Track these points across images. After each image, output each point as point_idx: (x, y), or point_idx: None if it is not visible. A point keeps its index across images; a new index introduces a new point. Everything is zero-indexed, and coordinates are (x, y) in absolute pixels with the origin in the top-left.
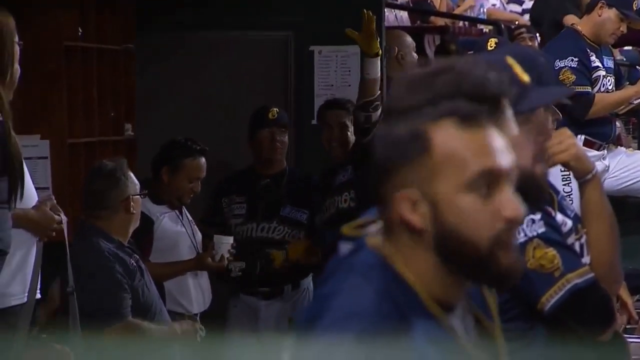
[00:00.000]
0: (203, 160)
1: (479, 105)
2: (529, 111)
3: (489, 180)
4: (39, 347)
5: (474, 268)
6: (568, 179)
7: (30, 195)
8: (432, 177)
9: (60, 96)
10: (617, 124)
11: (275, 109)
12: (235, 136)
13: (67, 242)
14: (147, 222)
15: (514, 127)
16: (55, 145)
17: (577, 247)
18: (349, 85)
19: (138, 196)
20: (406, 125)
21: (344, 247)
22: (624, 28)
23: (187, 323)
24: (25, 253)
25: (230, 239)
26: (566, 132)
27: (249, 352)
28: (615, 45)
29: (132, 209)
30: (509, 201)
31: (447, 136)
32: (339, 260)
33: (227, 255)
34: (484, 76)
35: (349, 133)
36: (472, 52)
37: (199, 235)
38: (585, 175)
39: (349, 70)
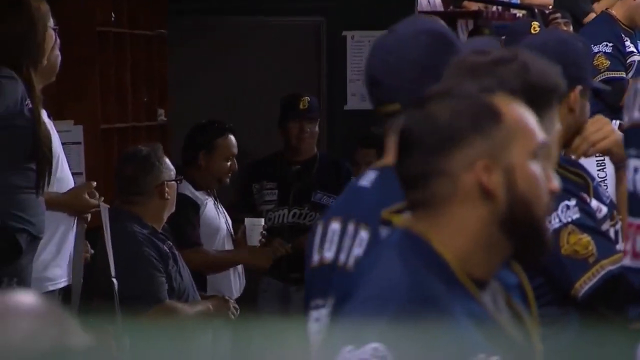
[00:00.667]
0: (233, 137)
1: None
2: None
3: (543, 152)
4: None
5: (530, 235)
6: (603, 164)
7: (67, 180)
8: (506, 146)
9: (93, 82)
10: None
11: (306, 98)
12: (267, 120)
13: (108, 229)
14: (194, 208)
15: (558, 122)
16: (89, 130)
17: (611, 233)
18: None
19: (173, 182)
20: (470, 101)
21: (383, 231)
22: None
23: (220, 300)
24: (63, 238)
25: (261, 221)
26: (603, 119)
27: (280, 335)
28: None
29: (166, 194)
30: (552, 175)
31: (514, 108)
32: (378, 241)
33: (259, 237)
34: (545, 69)
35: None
36: (505, 36)
37: (230, 221)
38: (624, 160)
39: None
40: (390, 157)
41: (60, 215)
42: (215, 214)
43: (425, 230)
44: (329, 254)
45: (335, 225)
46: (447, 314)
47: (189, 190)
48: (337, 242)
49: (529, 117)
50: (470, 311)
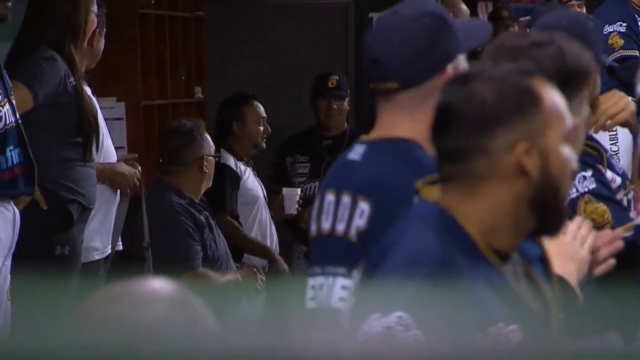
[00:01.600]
0: (259, 103)
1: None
2: None
3: (571, 135)
4: None
5: (554, 212)
6: (615, 138)
7: (111, 154)
8: (544, 130)
9: (135, 61)
10: None
11: (335, 76)
12: (299, 97)
13: (143, 198)
14: (236, 179)
15: (586, 105)
16: (131, 107)
17: (625, 202)
18: None
19: (212, 157)
20: (513, 83)
21: (415, 202)
22: None
23: (249, 271)
24: (108, 209)
25: (297, 191)
26: (618, 93)
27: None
28: None
29: (205, 168)
30: (573, 156)
31: (550, 92)
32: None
33: (296, 206)
34: (579, 54)
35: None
36: (524, 17)
37: (265, 192)
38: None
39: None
40: (380, 131)
41: (104, 187)
42: (254, 183)
43: (452, 203)
44: (326, 225)
45: (330, 197)
46: (468, 284)
47: (231, 162)
48: (333, 213)
49: (562, 102)
50: (490, 282)
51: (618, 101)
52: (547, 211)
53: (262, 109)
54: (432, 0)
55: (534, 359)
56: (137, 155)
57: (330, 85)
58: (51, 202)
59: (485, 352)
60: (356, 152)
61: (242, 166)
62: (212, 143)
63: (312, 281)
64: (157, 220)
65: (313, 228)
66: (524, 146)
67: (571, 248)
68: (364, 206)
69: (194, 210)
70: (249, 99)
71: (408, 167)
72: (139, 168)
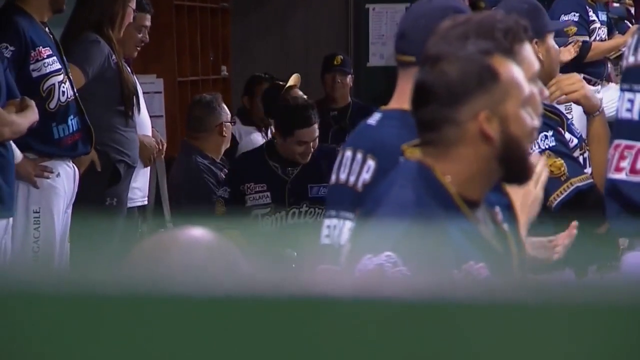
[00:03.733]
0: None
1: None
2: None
3: (529, 100)
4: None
5: (518, 164)
6: (570, 108)
7: (146, 124)
8: (502, 99)
9: (172, 44)
10: (609, 65)
11: (340, 56)
12: (308, 74)
13: (163, 168)
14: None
15: (535, 62)
16: (168, 82)
17: (580, 159)
18: None
19: (229, 123)
20: (475, 63)
21: (400, 160)
22: None
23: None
24: (140, 166)
25: None
26: (576, 76)
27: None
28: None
29: (224, 132)
30: (532, 118)
31: (506, 67)
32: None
33: None
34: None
35: None
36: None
37: None
38: (594, 112)
39: (397, 23)
40: (395, 102)
41: None
42: (260, 142)
43: (432, 163)
44: (342, 176)
45: (348, 154)
46: (444, 229)
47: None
48: (349, 166)
49: (519, 74)
50: (462, 227)
51: (575, 82)
52: (512, 164)
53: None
54: None
55: (499, 289)
56: (157, 133)
57: (335, 63)
58: (104, 163)
59: (460, 284)
60: (373, 119)
61: (247, 129)
62: (228, 112)
63: (327, 222)
64: (184, 177)
65: (333, 177)
66: (485, 115)
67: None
68: (370, 163)
69: (215, 169)
70: (260, 80)
71: (411, 135)
72: (161, 145)
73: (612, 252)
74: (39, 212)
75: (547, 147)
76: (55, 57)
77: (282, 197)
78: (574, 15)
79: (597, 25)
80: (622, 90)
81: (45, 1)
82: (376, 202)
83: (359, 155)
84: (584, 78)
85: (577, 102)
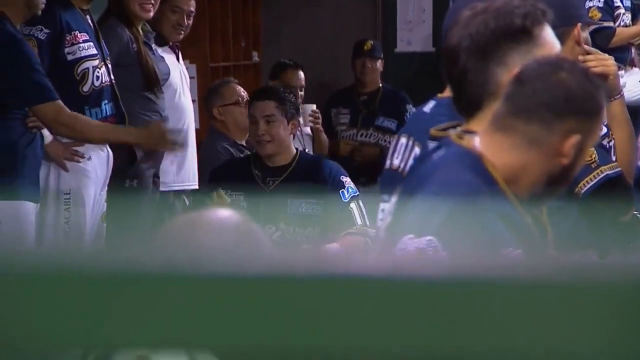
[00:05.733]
0: (296, 70)
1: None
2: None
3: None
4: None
5: (560, 187)
6: None
7: (188, 109)
8: (591, 133)
9: (204, 30)
10: (633, 50)
11: (370, 41)
12: (338, 59)
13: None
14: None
15: (556, 44)
16: (200, 68)
17: (607, 147)
18: (424, 22)
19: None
20: (594, 87)
21: (430, 145)
22: None
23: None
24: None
25: (312, 106)
26: (605, 55)
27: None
28: None
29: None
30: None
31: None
32: (428, 152)
33: (309, 119)
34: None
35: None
36: None
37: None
38: (615, 94)
39: (424, 10)
40: (448, 91)
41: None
42: None
43: (486, 152)
44: (395, 161)
45: (403, 140)
46: (487, 215)
47: None
48: (402, 153)
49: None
50: (504, 213)
51: (604, 59)
52: (556, 185)
53: (296, 77)
54: None
55: (534, 271)
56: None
57: (365, 48)
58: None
59: (499, 267)
60: (427, 106)
61: None
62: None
63: (382, 205)
64: (209, 159)
65: (387, 162)
66: (576, 139)
67: None
68: (417, 149)
69: (235, 150)
70: (286, 68)
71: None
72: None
73: (637, 238)
74: (69, 194)
75: None
76: (91, 43)
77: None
78: (598, 1)
79: (622, 11)
80: None
81: None
82: (420, 183)
83: (410, 142)
84: None
85: (603, 77)
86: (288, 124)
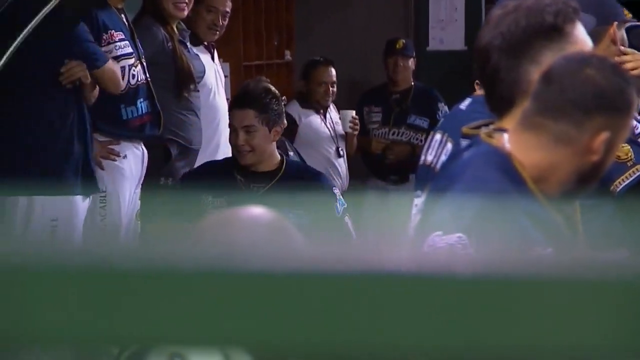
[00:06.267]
0: (328, 66)
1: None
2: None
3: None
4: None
5: (590, 184)
6: None
7: (223, 108)
8: (622, 130)
9: (238, 29)
10: None
11: (402, 40)
12: (370, 57)
13: None
14: (292, 122)
15: (588, 42)
16: (234, 66)
17: None
18: (456, 20)
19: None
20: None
21: (463, 143)
22: None
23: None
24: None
25: (352, 112)
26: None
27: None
28: None
29: None
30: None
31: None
32: (459, 150)
33: (349, 124)
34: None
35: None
36: None
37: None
38: None
39: (456, 9)
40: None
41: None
42: (317, 125)
43: (514, 150)
44: (429, 157)
45: (437, 136)
46: (517, 214)
47: (293, 109)
48: (436, 148)
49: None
50: (532, 212)
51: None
52: (586, 183)
53: (327, 73)
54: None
55: (563, 269)
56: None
57: (397, 47)
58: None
59: (529, 263)
60: (464, 104)
61: (304, 111)
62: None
63: (416, 200)
64: None
65: (422, 158)
66: (605, 136)
67: None
68: (449, 145)
69: None
70: (317, 65)
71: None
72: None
73: None
74: (105, 192)
75: None
76: (127, 42)
77: None
78: None
79: None
80: None
81: None
82: (450, 180)
83: (443, 138)
84: None
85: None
86: (270, 131)
